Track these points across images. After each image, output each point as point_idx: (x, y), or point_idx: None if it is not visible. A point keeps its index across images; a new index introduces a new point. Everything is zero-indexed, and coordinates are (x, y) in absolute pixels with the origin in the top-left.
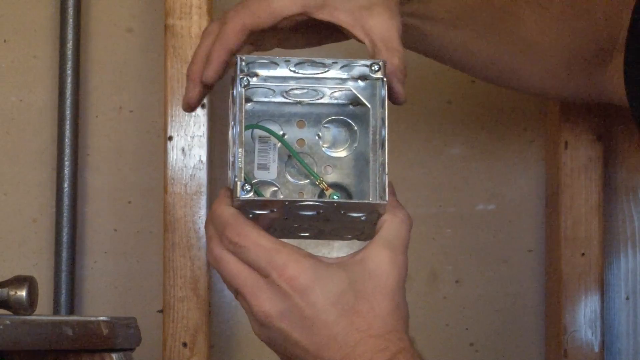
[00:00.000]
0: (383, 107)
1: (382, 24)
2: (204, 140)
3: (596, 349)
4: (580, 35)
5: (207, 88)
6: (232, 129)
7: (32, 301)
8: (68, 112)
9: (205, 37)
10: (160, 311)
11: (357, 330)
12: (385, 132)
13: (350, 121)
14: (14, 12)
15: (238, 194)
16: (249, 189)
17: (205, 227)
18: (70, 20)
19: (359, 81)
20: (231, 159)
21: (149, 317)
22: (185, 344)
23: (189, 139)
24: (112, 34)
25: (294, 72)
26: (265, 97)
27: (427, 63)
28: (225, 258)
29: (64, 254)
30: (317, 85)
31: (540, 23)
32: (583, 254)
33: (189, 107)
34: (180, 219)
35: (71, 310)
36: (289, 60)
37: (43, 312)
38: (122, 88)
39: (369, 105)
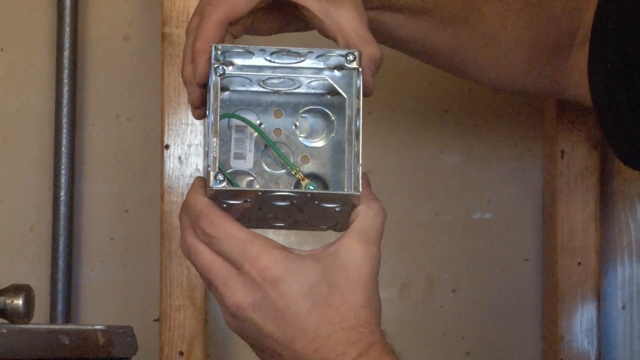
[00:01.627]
0: (358, 97)
1: (352, 17)
2: (201, 149)
3: (592, 358)
4: (540, 30)
5: (204, 87)
6: (208, 118)
7: (28, 310)
8: (65, 119)
9: (188, 36)
10: (157, 320)
11: (329, 323)
12: (360, 123)
13: (327, 111)
14: (11, 19)
15: (211, 184)
16: (222, 178)
17: (179, 217)
18: (67, 28)
19: (335, 71)
20: (206, 149)
21: (146, 326)
22: (181, 353)
23: (185, 148)
24: (109, 42)
25: (270, 61)
26: (242, 86)
27: (423, 71)
28: (198, 248)
29: (61, 263)
30: (293, 75)
31: (502, 17)
32: (579, 263)
33: (196, 110)
34: (177, 228)
35: (68, 319)
36: (264, 50)
37: (40, 320)
38: (119, 96)
39: (344, 95)
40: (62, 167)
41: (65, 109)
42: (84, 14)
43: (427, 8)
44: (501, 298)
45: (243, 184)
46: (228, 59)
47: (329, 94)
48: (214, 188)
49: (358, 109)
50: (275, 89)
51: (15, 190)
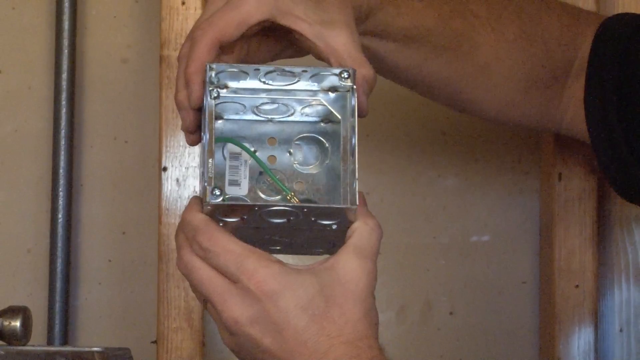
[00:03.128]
0: (353, 115)
1: (345, 39)
2: (199, 171)
3: None
4: (535, 61)
5: (199, 111)
6: (203, 138)
7: (26, 331)
8: (63, 142)
9: (180, 62)
10: (155, 342)
11: (328, 337)
12: (356, 140)
13: (321, 138)
14: (9, 42)
15: (208, 199)
16: (218, 193)
17: (176, 236)
18: (66, 50)
19: (330, 93)
20: (201, 169)
21: (143, 348)
22: None
23: (183, 170)
24: (107, 64)
25: (264, 82)
26: (236, 114)
27: None
28: (196, 265)
29: (58, 284)
30: (287, 98)
31: (496, 48)
32: (577, 286)
33: (190, 135)
34: (174, 250)
35: (65, 341)
36: (258, 69)
37: (37, 342)
38: (117, 118)
39: (338, 116)
40: (60, 189)
41: (63, 131)
42: (82, 36)
43: (419, 36)
44: (498, 320)
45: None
46: (222, 82)
47: (322, 121)
48: (211, 202)
49: (353, 127)
50: (269, 116)
51: (13, 212)
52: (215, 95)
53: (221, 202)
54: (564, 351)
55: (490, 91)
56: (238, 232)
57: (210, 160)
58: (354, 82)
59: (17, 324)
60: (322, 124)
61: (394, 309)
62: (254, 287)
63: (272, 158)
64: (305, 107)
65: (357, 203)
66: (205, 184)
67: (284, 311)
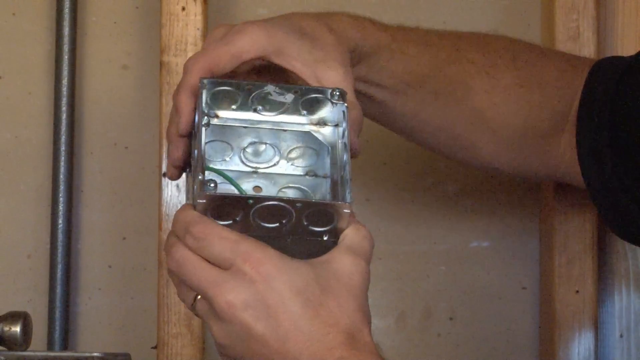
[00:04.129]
0: (345, 118)
1: (338, 78)
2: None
3: None
4: (532, 107)
5: (188, 140)
6: (195, 137)
7: (26, 337)
8: (63, 148)
9: (174, 97)
10: (155, 347)
11: (323, 323)
12: (348, 156)
13: (306, 189)
14: (9, 48)
15: (203, 189)
16: (212, 185)
17: (166, 241)
18: (66, 57)
19: (320, 128)
20: (191, 174)
21: (143, 354)
22: None
23: (183, 176)
24: (107, 70)
25: (254, 109)
26: (223, 159)
27: None
28: (187, 258)
29: (58, 290)
30: (276, 129)
31: (492, 94)
32: (577, 292)
33: (174, 169)
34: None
35: (65, 346)
36: (250, 85)
37: (37, 347)
38: (117, 124)
39: (326, 144)
40: (60, 195)
41: (63, 137)
42: (82, 42)
43: (414, 82)
44: (498, 326)
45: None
46: (212, 111)
47: (307, 174)
48: (207, 193)
49: (345, 144)
50: (255, 164)
51: (13, 218)
52: (206, 122)
53: (216, 193)
54: (563, 357)
55: (487, 137)
56: None
57: (202, 154)
58: (344, 101)
59: (17, 329)
60: (307, 177)
61: (394, 315)
62: (249, 269)
63: (257, 188)
64: (292, 149)
65: (350, 201)
66: (199, 176)
67: (278, 294)
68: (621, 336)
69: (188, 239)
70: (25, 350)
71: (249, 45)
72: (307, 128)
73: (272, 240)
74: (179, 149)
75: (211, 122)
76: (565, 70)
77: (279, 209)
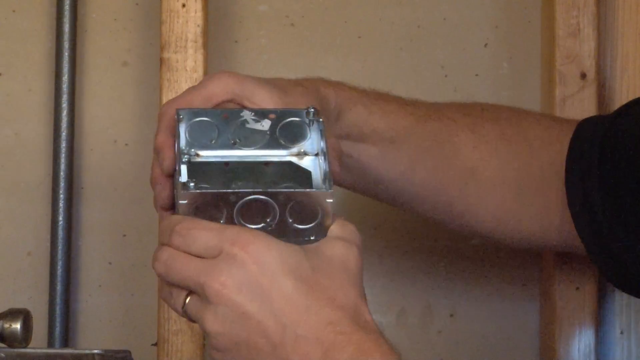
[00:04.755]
0: (325, 148)
1: None
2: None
3: None
4: (521, 161)
5: (172, 177)
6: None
7: (26, 334)
8: (63, 145)
9: (154, 140)
10: (155, 344)
11: (319, 299)
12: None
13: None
14: (9, 45)
15: (186, 188)
16: (192, 184)
17: (155, 253)
18: (66, 53)
19: (299, 159)
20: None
21: (144, 351)
22: None
23: None
24: (107, 67)
25: (233, 142)
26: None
27: (421, 95)
28: (175, 256)
29: (59, 287)
30: (256, 164)
31: (479, 149)
32: (577, 288)
33: (164, 213)
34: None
35: (65, 343)
36: (227, 114)
37: (37, 345)
38: (117, 121)
39: (308, 169)
40: (60, 192)
41: (64, 134)
42: (83, 40)
43: (397, 137)
44: (499, 323)
45: None
46: (193, 150)
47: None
48: (190, 190)
49: (325, 153)
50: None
51: (13, 215)
52: (187, 159)
53: (196, 191)
54: (564, 354)
55: (482, 198)
56: None
57: (183, 166)
58: (320, 116)
59: (17, 326)
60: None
61: (394, 311)
62: (238, 250)
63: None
64: (276, 185)
65: (331, 189)
66: (180, 178)
67: (270, 273)
68: (622, 333)
69: (173, 239)
70: (25, 347)
71: (219, 89)
72: (288, 158)
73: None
74: (166, 189)
75: (192, 160)
76: (550, 126)
77: (263, 206)
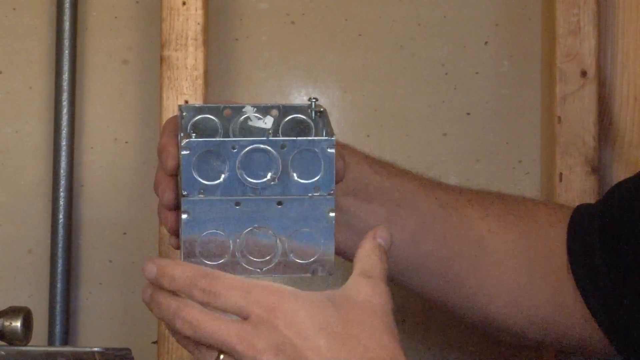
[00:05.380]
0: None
1: None
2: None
3: None
4: (529, 236)
5: (176, 176)
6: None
7: (26, 332)
8: (63, 143)
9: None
10: (155, 342)
11: (353, 351)
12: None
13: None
14: (9, 43)
15: (188, 137)
16: (195, 135)
17: (156, 299)
18: (66, 51)
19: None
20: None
21: (144, 349)
22: None
23: None
24: (107, 65)
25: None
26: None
27: (422, 93)
28: (202, 317)
29: (59, 285)
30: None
31: (486, 221)
32: None
33: (168, 210)
34: (175, 250)
35: (66, 341)
36: (229, 110)
37: (38, 342)
38: (117, 119)
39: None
40: (61, 190)
41: (64, 132)
42: (83, 37)
43: (404, 200)
44: None
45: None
46: (195, 134)
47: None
48: (192, 139)
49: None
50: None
51: (13, 213)
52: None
53: (199, 139)
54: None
55: (493, 272)
56: (219, 222)
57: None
58: (322, 107)
59: (18, 324)
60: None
61: (395, 309)
62: (268, 315)
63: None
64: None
65: (334, 136)
66: (181, 135)
67: (302, 333)
68: None
69: (196, 294)
70: (25, 345)
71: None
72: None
73: (263, 207)
74: (169, 188)
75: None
76: (554, 208)
77: (265, 158)
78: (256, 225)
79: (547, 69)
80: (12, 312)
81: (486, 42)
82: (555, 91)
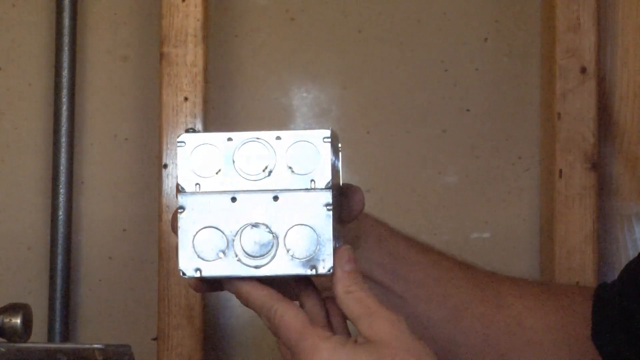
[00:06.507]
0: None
1: None
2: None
3: None
4: (565, 313)
5: None
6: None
7: (26, 329)
8: (63, 139)
9: None
10: (155, 339)
11: None
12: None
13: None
14: (9, 39)
15: (187, 132)
16: (192, 130)
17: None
18: (66, 48)
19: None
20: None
21: (144, 345)
22: None
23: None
24: (107, 61)
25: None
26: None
27: (421, 89)
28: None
29: (59, 282)
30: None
31: (523, 299)
32: (577, 283)
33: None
34: (175, 247)
35: (65, 338)
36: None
37: (37, 339)
38: (117, 116)
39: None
40: (61, 186)
41: (64, 128)
42: (83, 34)
43: (440, 277)
44: None
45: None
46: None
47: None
48: (188, 133)
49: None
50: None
51: (13, 209)
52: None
53: (196, 132)
54: None
55: (533, 350)
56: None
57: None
58: (336, 139)
59: (17, 321)
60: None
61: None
62: None
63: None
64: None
65: (329, 128)
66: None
67: None
68: None
69: (262, 317)
70: (25, 342)
71: None
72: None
73: (258, 201)
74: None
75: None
76: (584, 287)
77: (262, 150)
78: (253, 222)
79: (546, 66)
80: (11, 309)
81: (486, 39)
82: (555, 87)
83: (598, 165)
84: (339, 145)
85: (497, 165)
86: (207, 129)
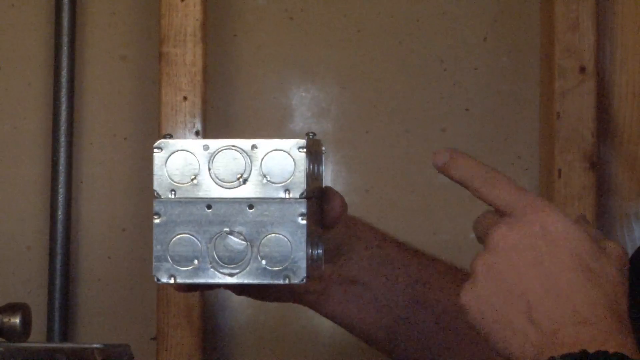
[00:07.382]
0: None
1: None
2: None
3: None
4: None
5: None
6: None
7: (25, 328)
8: (62, 139)
9: None
10: (154, 338)
11: (590, 280)
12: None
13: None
14: (8, 39)
15: (162, 137)
16: (169, 136)
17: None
18: (65, 47)
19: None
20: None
21: (143, 345)
22: None
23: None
24: (106, 61)
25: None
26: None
27: (420, 89)
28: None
29: (58, 281)
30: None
31: None
32: None
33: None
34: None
35: (65, 338)
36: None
37: (36, 339)
38: (116, 115)
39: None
40: (60, 186)
41: (63, 128)
42: (82, 33)
43: (429, 279)
44: None
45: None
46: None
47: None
48: (164, 139)
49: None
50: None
51: (12, 209)
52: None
53: (172, 139)
54: None
55: None
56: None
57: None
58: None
59: (16, 320)
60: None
61: None
62: (530, 214)
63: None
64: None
65: (304, 138)
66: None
67: (556, 247)
68: None
69: (475, 182)
70: (24, 341)
71: None
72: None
73: (234, 209)
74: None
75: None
76: None
77: (237, 159)
78: (227, 230)
79: (546, 65)
80: (10, 308)
81: (485, 38)
82: (554, 87)
83: (597, 165)
84: (323, 148)
85: (496, 165)
86: (206, 128)
